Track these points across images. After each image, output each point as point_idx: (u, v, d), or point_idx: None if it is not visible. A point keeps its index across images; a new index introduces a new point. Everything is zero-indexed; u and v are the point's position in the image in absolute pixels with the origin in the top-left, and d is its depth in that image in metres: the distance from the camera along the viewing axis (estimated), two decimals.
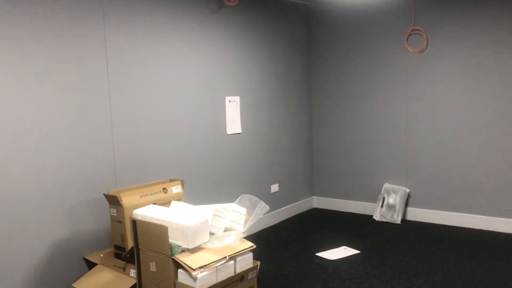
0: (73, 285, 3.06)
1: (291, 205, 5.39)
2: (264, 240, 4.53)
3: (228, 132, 4.45)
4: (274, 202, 5.07)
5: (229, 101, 4.44)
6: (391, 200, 5.04)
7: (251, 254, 2.85)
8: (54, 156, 3.07)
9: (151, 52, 3.70)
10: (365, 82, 5.25)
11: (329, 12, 5.40)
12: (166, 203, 3.20)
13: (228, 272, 2.68)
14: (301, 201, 5.57)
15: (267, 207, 3.00)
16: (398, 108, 5.04)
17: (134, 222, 2.81)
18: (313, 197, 5.79)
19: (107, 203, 3.19)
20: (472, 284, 3.37)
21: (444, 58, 4.69)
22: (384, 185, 5.17)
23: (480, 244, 4.21)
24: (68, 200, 3.17)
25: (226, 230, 2.89)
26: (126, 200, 3.05)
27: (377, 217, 5.12)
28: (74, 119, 3.18)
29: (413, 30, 4.81)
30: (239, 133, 4.58)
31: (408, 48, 4.87)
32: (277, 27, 5.06)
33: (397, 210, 4.98)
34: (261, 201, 3.00)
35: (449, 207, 4.81)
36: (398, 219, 4.96)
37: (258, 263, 2.89)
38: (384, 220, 5.04)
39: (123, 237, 3.06)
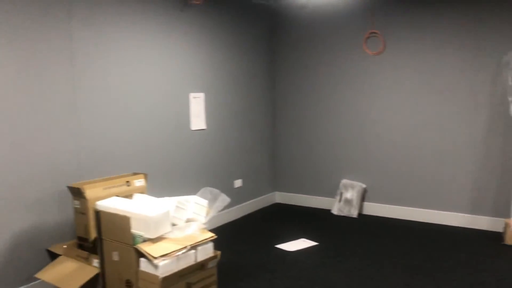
0: (35, 275, 3.11)
1: (253, 200, 5.54)
2: (227, 234, 4.67)
3: (193, 128, 4.56)
4: (237, 197, 5.21)
5: (194, 98, 4.55)
6: (348, 195, 5.27)
7: (211, 244, 2.97)
8: (18, 149, 3.11)
9: (116, 49, 3.77)
10: (325, 82, 5.45)
11: (291, 14, 5.58)
12: (129, 196, 3.27)
13: (189, 260, 2.81)
14: (264, 196, 5.74)
15: (228, 199, 3.13)
16: (356, 107, 5.27)
17: (97, 213, 2.89)
18: (275, 192, 5.97)
19: (70, 195, 3.25)
20: (418, 273, 3.61)
21: (401, 60, 4.94)
22: (342, 181, 5.39)
23: (429, 237, 4.48)
24: (32, 193, 3.21)
25: (188, 221, 3.01)
26: (90, 192, 3.12)
27: (335, 211, 5.34)
28: (38, 113, 3.23)
29: (371, 33, 5.04)
30: (204, 129, 4.70)
31: (367, 51, 5.10)
32: (242, 27, 5.20)
33: (354, 204, 5.21)
34: (222, 194, 3.14)
35: (402, 202, 5.08)
36: (354, 213, 5.20)
37: (219, 252, 3.02)
38: (342, 214, 5.27)
39: (86, 228, 3.13)
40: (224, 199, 3.10)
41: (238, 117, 5.20)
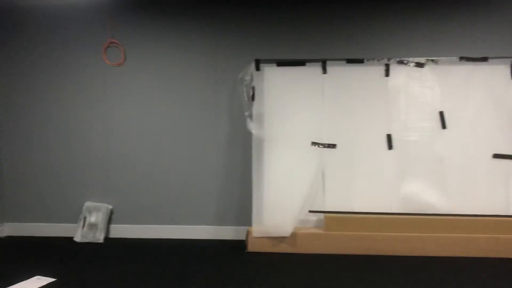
0: None
1: None
2: None
3: None
4: None
5: None
6: (93, 219, 4.78)
7: None
8: None
9: None
10: (60, 96, 4.87)
11: (16, 13, 4.82)
12: None
13: None
14: None
15: None
16: (97, 123, 4.86)
17: None
18: (4, 224, 5.01)
19: None
20: None
21: (144, 74, 4.78)
22: (85, 204, 4.87)
23: (179, 253, 4.36)
24: None
25: None
26: None
27: (78, 238, 4.77)
28: None
29: (111, 43, 4.73)
30: None
31: (107, 61, 4.76)
32: None
33: (100, 228, 4.75)
34: None
35: (151, 220, 4.88)
36: (101, 238, 4.74)
37: None
38: (86, 241, 4.75)
39: None
40: None
41: None
